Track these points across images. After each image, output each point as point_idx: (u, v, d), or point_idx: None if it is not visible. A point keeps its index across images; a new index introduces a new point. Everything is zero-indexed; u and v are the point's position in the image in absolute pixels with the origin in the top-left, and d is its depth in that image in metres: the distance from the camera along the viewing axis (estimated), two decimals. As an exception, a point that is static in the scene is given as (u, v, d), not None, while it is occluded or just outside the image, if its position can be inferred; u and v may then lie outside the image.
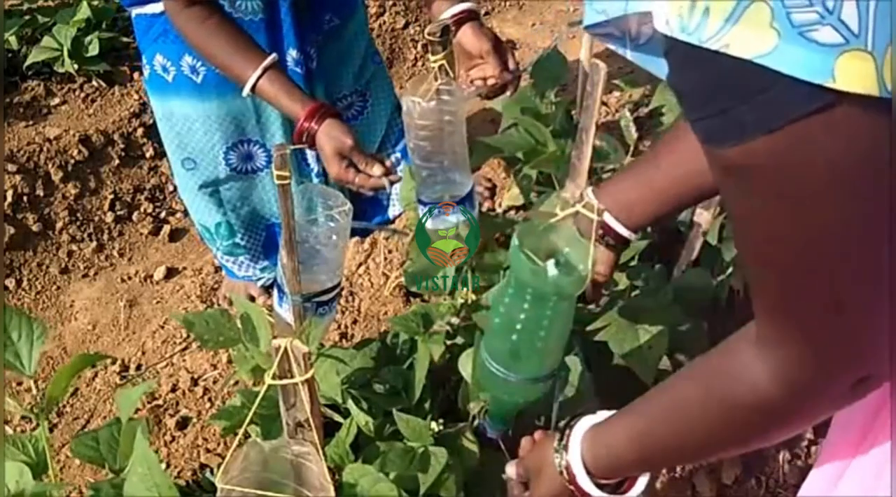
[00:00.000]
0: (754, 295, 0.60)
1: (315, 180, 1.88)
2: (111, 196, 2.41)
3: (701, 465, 1.52)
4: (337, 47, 1.79)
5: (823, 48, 0.44)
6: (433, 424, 1.17)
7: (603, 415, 0.82)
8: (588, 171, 1.24)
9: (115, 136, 2.45)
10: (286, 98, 1.38)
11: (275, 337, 1.12)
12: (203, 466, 1.59)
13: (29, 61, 2.52)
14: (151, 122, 2.40)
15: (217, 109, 1.70)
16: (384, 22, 3.00)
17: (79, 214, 2.37)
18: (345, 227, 1.24)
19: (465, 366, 1.19)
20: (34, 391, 1.23)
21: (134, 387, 1.29)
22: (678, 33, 0.48)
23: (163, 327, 2.02)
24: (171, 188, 2.48)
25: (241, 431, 1.09)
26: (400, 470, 1.11)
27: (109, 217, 2.40)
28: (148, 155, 2.50)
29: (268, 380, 0.88)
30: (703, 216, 1.47)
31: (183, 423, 1.72)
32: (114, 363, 1.97)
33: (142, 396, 1.42)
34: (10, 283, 2.22)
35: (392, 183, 1.33)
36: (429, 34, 1.26)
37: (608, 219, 0.96)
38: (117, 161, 2.44)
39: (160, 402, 1.76)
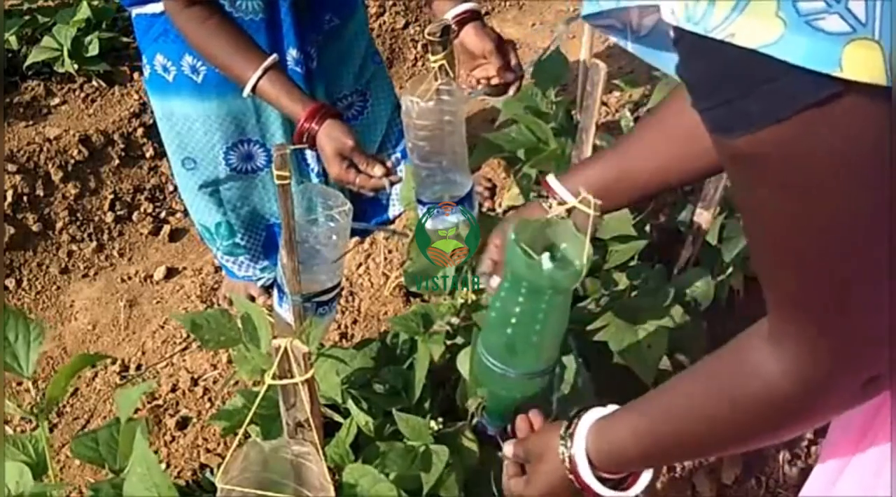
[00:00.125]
0: (767, 289, 0.59)
1: (315, 180, 1.88)
2: (111, 196, 2.41)
3: (701, 465, 1.52)
4: (337, 47, 1.79)
5: (830, 37, 0.43)
6: (433, 423, 1.17)
7: (612, 408, 0.82)
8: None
9: (115, 136, 2.45)
10: (286, 98, 1.38)
11: (275, 337, 1.11)
12: (203, 466, 1.59)
13: (29, 61, 2.52)
14: (151, 122, 2.41)
15: (217, 109, 1.70)
16: (384, 22, 3.00)
17: (79, 214, 2.37)
18: (345, 227, 1.24)
19: (464, 363, 1.19)
20: (34, 392, 1.23)
21: (134, 387, 1.29)
22: (684, 23, 0.48)
23: (163, 327, 2.02)
24: (171, 188, 2.48)
25: (241, 431, 1.09)
26: (401, 469, 1.11)
27: (109, 217, 2.40)
28: (148, 155, 2.50)
29: (268, 380, 0.88)
30: (703, 216, 1.47)
31: (183, 423, 1.72)
32: (114, 363, 1.97)
33: (142, 396, 1.42)
34: (10, 283, 2.22)
35: (392, 184, 1.33)
36: (429, 34, 1.26)
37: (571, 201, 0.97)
38: (117, 161, 2.44)
39: (160, 402, 1.77)
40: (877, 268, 0.52)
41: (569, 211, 0.91)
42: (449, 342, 1.31)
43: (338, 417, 1.25)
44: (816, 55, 0.43)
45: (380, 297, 1.82)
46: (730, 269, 1.59)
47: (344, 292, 1.83)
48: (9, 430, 1.80)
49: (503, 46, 1.49)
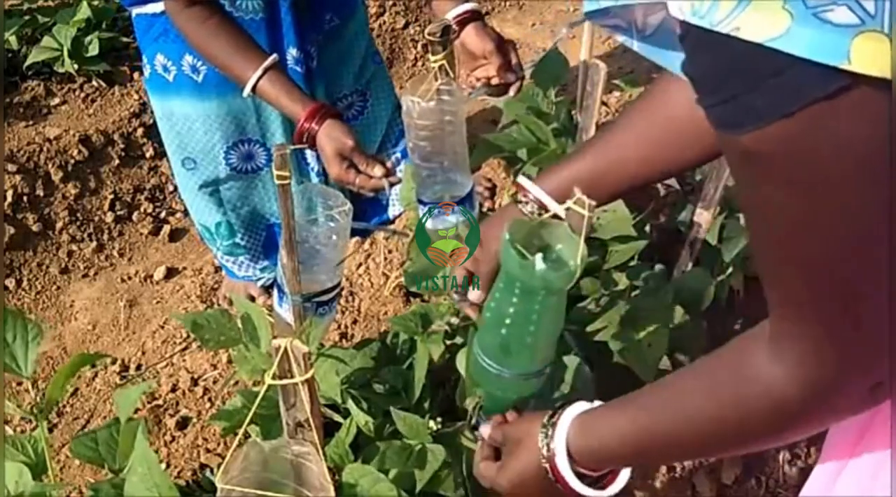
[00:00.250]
0: (769, 288, 0.58)
1: (315, 179, 1.88)
2: (111, 196, 2.41)
3: (701, 465, 1.52)
4: (337, 47, 1.79)
5: (838, 29, 0.42)
6: (431, 423, 1.17)
7: (598, 403, 0.80)
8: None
9: (115, 136, 2.45)
10: (286, 98, 1.38)
11: (275, 337, 1.11)
12: (203, 466, 1.59)
13: (29, 61, 2.52)
14: (151, 122, 2.41)
15: (217, 109, 1.70)
16: (384, 22, 3.00)
17: (79, 214, 2.37)
18: (345, 227, 1.24)
19: (462, 363, 1.19)
20: (34, 392, 1.23)
21: (134, 387, 1.29)
22: (690, 17, 0.47)
23: (163, 327, 2.02)
24: (171, 188, 2.48)
25: (241, 431, 1.09)
26: (397, 467, 1.11)
27: (109, 217, 2.40)
28: (148, 155, 2.50)
29: (268, 380, 0.88)
30: (703, 216, 1.47)
31: (183, 423, 1.72)
32: (114, 363, 1.97)
33: (142, 396, 1.42)
34: (10, 283, 2.22)
35: (392, 185, 1.33)
36: (429, 34, 1.26)
37: (546, 200, 0.96)
38: (117, 161, 2.45)
39: (160, 402, 1.76)
40: (883, 266, 0.51)
41: (552, 212, 0.91)
42: (448, 342, 1.31)
43: (338, 417, 1.25)
44: (824, 47, 0.43)
45: (380, 297, 1.82)
46: (730, 269, 1.59)
47: (344, 292, 1.83)
48: (9, 430, 1.80)
49: (504, 47, 1.49)
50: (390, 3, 3.03)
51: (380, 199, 2.04)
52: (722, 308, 1.57)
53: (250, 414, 0.95)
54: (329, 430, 1.20)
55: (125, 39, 2.68)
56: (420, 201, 1.36)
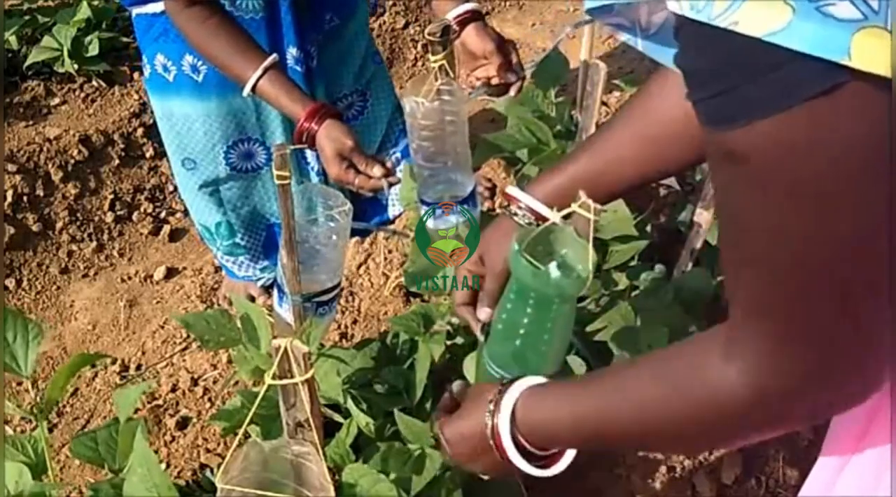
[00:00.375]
0: (738, 296, 0.56)
1: (315, 179, 1.88)
2: (111, 196, 2.41)
3: (701, 465, 1.52)
4: (337, 47, 1.79)
5: (840, 24, 0.42)
6: (434, 427, 1.17)
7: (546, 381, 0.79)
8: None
9: (115, 136, 2.45)
10: (286, 98, 1.38)
11: (275, 337, 1.12)
12: (203, 466, 1.59)
13: (29, 61, 2.52)
14: (151, 122, 2.41)
15: (217, 108, 1.70)
16: (384, 22, 3.00)
17: (79, 214, 2.37)
18: (345, 227, 1.24)
19: (469, 369, 1.19)
20: (34, 392, 1.23)
21: (133, 387, 1.29)
22: (688, 11, 0.46)
23: (163, 327, 2.02)
24: (171, 188, 2.48)
25: (241, 431, 1.09)
26: (395, 471, 1.11)
27: (109, 217, 2.40)
28: (148, 155, 2.50)
29: (268, 380, 0.88)
30: (703, 216, 1.47)
31: (183, 423, 1.71)
32: (114, 363, 1.97)
33: (142, 396, 1.42)
34: (10, 283, 2.22)
35: (392, 185, 1.33)
36: (429, 34, 1.26)
37: (538, 207, 0.96)
38: (117, 161, 2.45)
39: (160, 402, 1.76)
40: (881, 271, 0.50)
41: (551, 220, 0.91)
42: (449, 342, 1.31)
43: (338, 417, 1.25)
44: (824, 42, 0.42)
45: (380, 297, 1.82)
46: (730, 270, 1.58)
47: (344, 292, 1.83)
48: (9, 430, 1.80)
49: (504, 47, 1.49)
50: (390, 3, 3.03)
51: (380, 199, 2.04)
52: (722, 308, 1.57)
53: (250, 414, 0.95)
54: (329, 430, 1.20)
55: (125, 39, 2.68)
56: (422, 201, 1.36)
